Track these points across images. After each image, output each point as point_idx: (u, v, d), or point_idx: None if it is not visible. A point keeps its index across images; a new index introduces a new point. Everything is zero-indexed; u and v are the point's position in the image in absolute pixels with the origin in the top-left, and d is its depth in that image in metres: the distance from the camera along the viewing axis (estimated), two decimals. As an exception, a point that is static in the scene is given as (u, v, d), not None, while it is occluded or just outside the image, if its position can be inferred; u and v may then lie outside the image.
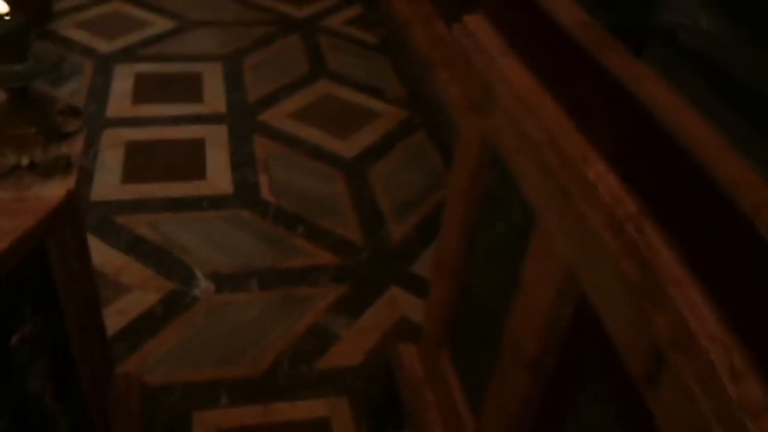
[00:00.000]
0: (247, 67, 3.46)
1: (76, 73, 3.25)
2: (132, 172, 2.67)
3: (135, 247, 2.35)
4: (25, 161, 1.15)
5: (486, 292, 1.52)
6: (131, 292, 2.21)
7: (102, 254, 2.31)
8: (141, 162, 2.73)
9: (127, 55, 3.45)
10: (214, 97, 3.19)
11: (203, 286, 2.25)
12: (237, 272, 2.30)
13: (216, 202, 2.57)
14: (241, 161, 2.79)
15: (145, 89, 3.19)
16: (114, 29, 3.66)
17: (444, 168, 2.85)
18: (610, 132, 1.01)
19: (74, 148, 1.22)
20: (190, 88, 3.24)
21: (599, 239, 0.98)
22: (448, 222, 1.65)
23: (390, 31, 3.80)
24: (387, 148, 2.96)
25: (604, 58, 1.00)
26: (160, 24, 3.78)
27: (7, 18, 1.13)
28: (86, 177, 2.62)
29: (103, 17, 3.78)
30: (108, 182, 2.61)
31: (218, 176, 2.69)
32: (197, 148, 2.84)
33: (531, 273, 1.26)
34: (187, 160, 2.77)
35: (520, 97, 1.20)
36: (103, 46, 3.50)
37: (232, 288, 2.25)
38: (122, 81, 3.23)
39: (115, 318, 2.11)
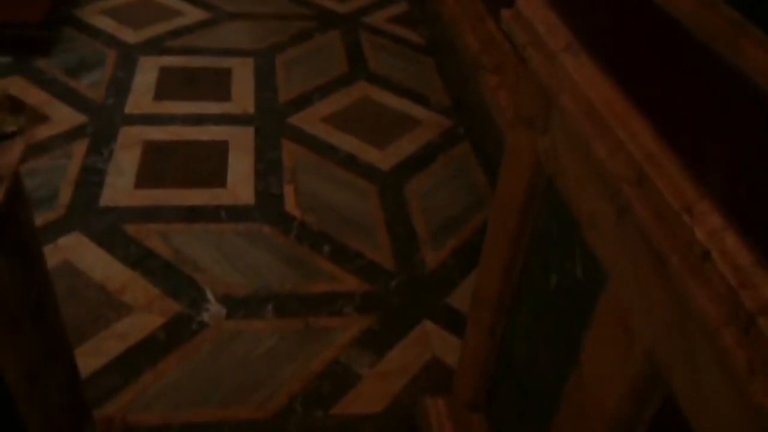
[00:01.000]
0: (281, 64, 3.21)
1: (98, 63, 3.04)
2: (147, 176, 2.44)
3: (143, 261, 2.12)
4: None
5: (533, 360, 1.23)
6: (134, 313, 1.97)
7: (106, 268, 2.09)
8: (157, 164, 2.50)
9: (154, 46, 3.24)
10: (243, 95, 2.95)
11: (213, 310, 2.00)
12: (252, 295, 2.06)
13: (235, 214, 2.33)
14: (266, 169, 2.54)
15: (169, 84, 2.97)
16: (142, 18, 3.45)
17: (489, 186, 2.56)
18: (735, 169, 0.71)
19: (8, 155, 0.95)
20: (217, 84, 3.00)
21: (709, 335, 0.70)
22: (489, 264, 1.36)
23: (436, 30, 3.52)
24: (427, 160, 2.68)
25: (736, 57, 0.70)
26: (192, 14, 3.56)
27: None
28: (97, 179, 2.40)
29: (132, 5, 3.58)
30: (120, 186, 2.38)
31: (240, 184, 2.45)
32: (219, 151, 2.60)
33: (595, 353, 0.98)
34: (208, 165, 2.53)
35: (591, 110, 0.91)
36: (128, 35, 3.29)
37: (245, 313, 2.00)
38: (145, 74, 3.01)
39: (112, 343, 1.89)
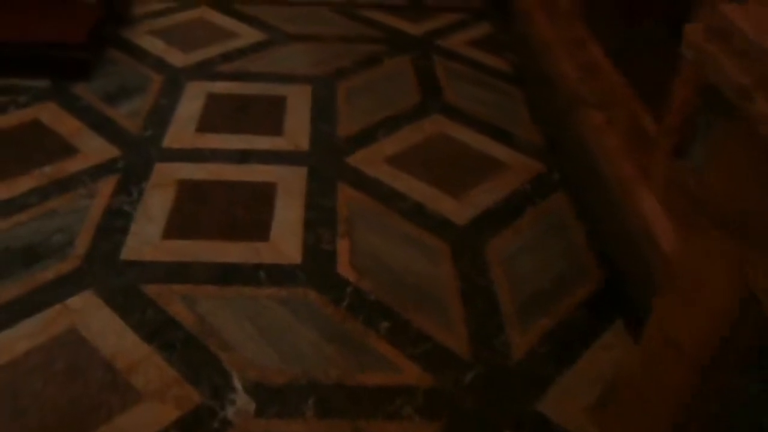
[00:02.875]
0: (342, 93, 2.82)
1: (140, 89, 2.72)
2: (178, 223, 2.07)
3: (161, 331, 1.73)
4: None
5: None
6: (143, 401, 1.58)
7: (118, 339, 1.71)
8: (192, 209, 2.13)
9: (203, 70, 2.90)
10: (296, 128, 2.57)
11: (240, 403, 1.59)
12: (289, 386, 1.63)
13: (277, 275, 1.92)
14: (318, 218, 2.13)
15: (215, 114, 2.61)
16: (194, 39, 3.13)
17: (591, 251, 2.08)
18: None
19: None
20: (268, 115, 2.63)
21: None
22: None
23: (524, 55, 3.06)
24: (513, 213, 2.22)
25: None
26: (248, 36, 3.22)
27: None
28: (122, 224, 2.04)
29: (183, 25, 3.27)
30: (146, 235, 2.02)
31: (285, 237, 2.05)
32: (265, 195, 2.21)
33: None
34: (250, 212, 2.14)
35: None
36: (177, 58, 2.97)
37: (278, 410, 1.58)
38: (191, 102, 2.67)
39: (110, 444, 1.50)
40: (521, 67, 3.08)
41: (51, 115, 2.51)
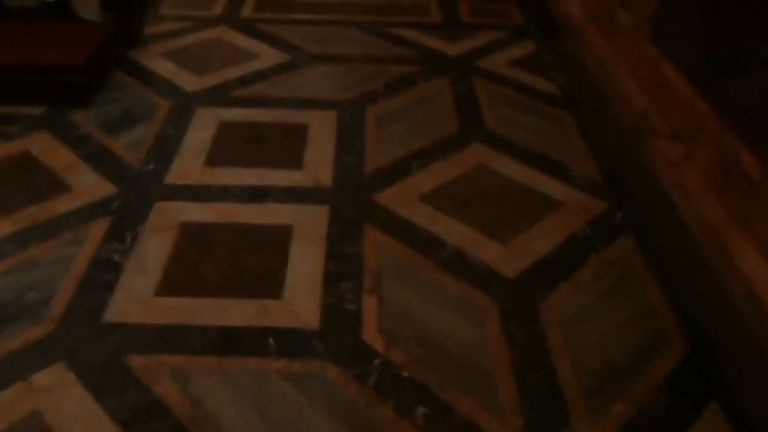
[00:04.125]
0: (371, 120, 2.50)
1: (145, 116, 2.43)
2: (175, 277, 1.75)
3: (144, 419, 1.41)
4: None
5: None
6: None
7: (90, 429, 1.38)
8: (193, 259, 1.81)
9: (216, 95, 2.61)
10: (319, 161, 2.25)
11: None
12: (300, 493, 1.29)
13: (289, 343, 1.59)
14: (340, 270, 1.80)
15: (227, 145, 2.31)
16: (208, 61, 2.85)
17: (671, 311, 1.70)
18: None
19: None
20: (287, 146, 2.32)
21: None
22: None
23: (576, 77, 2.71)
24: (573, 264, 1.86)
25: None
26: (268, 57, 2.93)
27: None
28: (109, 278, 1.73)
29: (199, 45, 3.00)
30: (136, 291, 1.70)
31: (300, 294, 1.72)
32: (279, 241, 1.89)
33: None
34: (260, 261, 1.82)
35: None
36: (189, 82, 2.68)
37: None
38: (200, 131, 2.37)
39: None
40: (571, 89, 2.73)
41: (43, 146, 2.23)
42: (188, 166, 2.19)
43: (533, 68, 2.95)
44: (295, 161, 2.24)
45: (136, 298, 1.68)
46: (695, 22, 1.92)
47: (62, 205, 1.97)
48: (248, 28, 3.19)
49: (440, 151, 2.33)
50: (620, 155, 2.21)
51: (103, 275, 1.74)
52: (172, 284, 1.73)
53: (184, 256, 1.82)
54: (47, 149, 2.21)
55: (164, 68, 2.78)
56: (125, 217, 1.94)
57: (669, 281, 1.78)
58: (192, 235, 1.89)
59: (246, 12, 3.38)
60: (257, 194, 2.07)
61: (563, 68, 2.89)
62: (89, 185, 2.06)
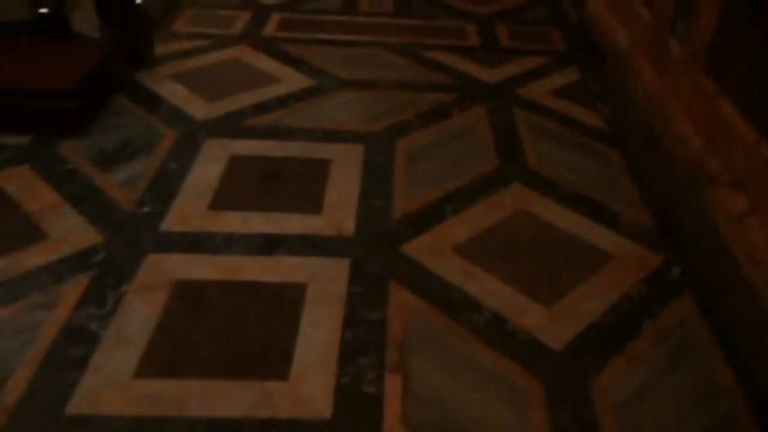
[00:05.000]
0: (401, 155, 2.18)
1: (146, 148, 2.15)
2: (161, 352, 1.44)
3: None
4: None
5: None
6: None
7: None
8: (185, 326, 1.50)
9: (228, 124, 2.31)
10: (341, 203, 1.93)
11: None
12: None
13: (295, 445, 1.26)
14: (360, 341, 1.47)
15: (238, 183, 2.01)
16: (223, 85, 2.56)
17: (740, 392, 1.35)
18: None
19: None
20: (306, 185, 2.01)
21: None
22: None
23: (624, 111, 2.37)
24: (626, 332, 1.53)
25: None
26: (291, 81, 2.64)
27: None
28: (81, 352, 1.43)
29: (215, 67, 2.71)
30: (112, 372, 1.39)
31: (311, 374, 1.39)
32: (290, 303, 1.57)
33: None
34: (266, 330, 1.50)
35: None
36: (199, 108, 2.40)
37: None
38: (207, 167, 2.07)
39: None
40: (619, 124, 2.38)
41: (22, 183, 1.94)
42: (189, 208, 1.88)
43: (577, 98, 2.62)
44: (313, 204, 1.92)
45: (111, 380, 1.37)
46: (757, 54, 1.58)
47: (33, 258, 1.67)
48: (270, 48, 2.91)
49: (477, 193, 2.00)
50: (675, 202, 1.87)
51: (73, 349, 1.43)
52: (156, 362, 1.42)
53: (174, 324, 1.51)
54: (26, 187, 1.93)
55: (173, 92, 2.49)
56: (108, 274, 1.64)
57: (735, 352, 1.44)
58: (186, 297, 1.58)
59: (268, 30, 3.09)
60: (268, 244, 1.76)
61: (609, 99, 2.55)
62: (69, 232, 1.76)
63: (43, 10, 2.53)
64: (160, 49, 2.80)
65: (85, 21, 2.46)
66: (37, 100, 2.11)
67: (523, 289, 1.64)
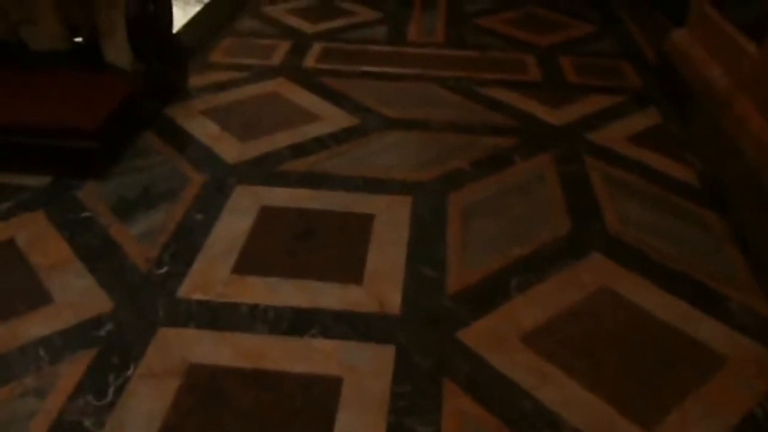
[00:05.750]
0: (456, 211, 1.92)
1: (170, 195, 1.93)
2: (165, 461, 1.20)
3: None
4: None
5: None
6: None
7: None
8: (194, 428, 1.26)
9: (262, 168, 2.09)
10: (384, 271, 1.67)
11: None
12: None
13: None
14: (407, 466, 1.21)
15: (267, 241, 1.77)
16: (258, 122, 2.35)
17: None
18: None
19: None
20: (346, 246, 1.76)
21: None
22: None
23: (724, 164, 2.06)
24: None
25: None
26: (332, 119, 2.40)
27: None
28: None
29: (250, 102, 2.50)
30: (106, 483, 1.15)
31: None
32: (320, 404, 1.31)
33: None
34: (291, 441, 1.25)
35: None
36: (230, 149, 2.18)
37: None
38: (235, 219, 1.84)
39: None
40: (716, 180, 2.07)
41: (34, 232, 1.74)
42: (211, 271, 1.65)
43: (660, 146, 2.31)
44: (352, 271, 1.67)
45: (102, 500, 1.13)
46: None
47: (33, 327, 1.45)
48: (310, 81, 2.68)
49: (547, 263, 1.72)
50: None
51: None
52: (157, 477, 1.17)
53: (182, 425, 1.26)
54: (37, 238, 1.72)
55: (204, 130, 2.28)
56: (113, 352, 1.41)
57: None
58: (199, 389, 1.34)
59: (309, 61, 2.88)
60: (298, 322, 1.51)
61: (701, 148, 2.24)
62: (76, 296, 1.54)
63: (78, 39, 2.38)
64: (194, 80, 2.60)
65: (119, 52, 2.27)
66: (58, 139, 1.91)
67: (613, 400, 1.34)
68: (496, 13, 3.53)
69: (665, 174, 2.15)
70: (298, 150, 2.20)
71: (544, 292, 1.63)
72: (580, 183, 2.08)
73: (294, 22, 3.32)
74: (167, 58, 2.37)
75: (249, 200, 1.93)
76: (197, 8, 3.47)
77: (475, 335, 1.50)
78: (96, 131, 1.92)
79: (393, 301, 1.58)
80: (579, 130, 2.41)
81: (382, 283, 1.63)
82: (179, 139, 2.22)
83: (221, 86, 2.60)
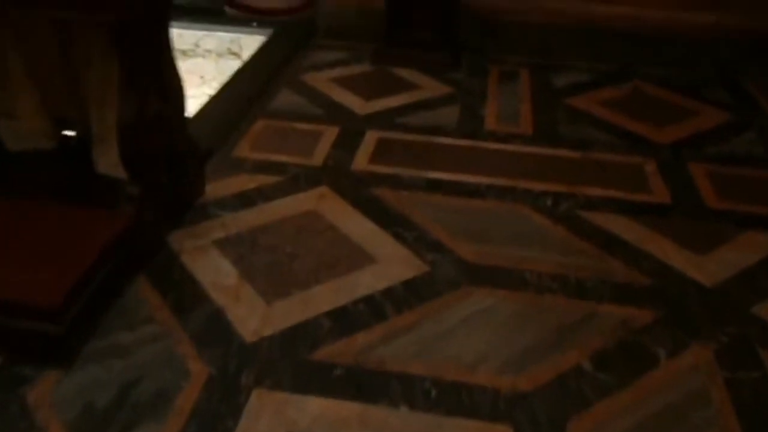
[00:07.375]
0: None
1: (158, 405, 1.30)
2: None
3: None
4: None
5: None
6: None
7: None
8: None
9: (288, 356, 1.45)
10: None
11: None
12: None
13: None
14: None
15: None
16: (290, 265, 1.72)
17: None
18: None
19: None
20: None
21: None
22: None
23: None
24: None
25: None
26: (391, 261, 1.75)
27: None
28: None
29: (279, 228, 1.87)
30: None
31: None
32: None
33: None
34: None
35: None
36: (249, 315, 1.55)
37: None
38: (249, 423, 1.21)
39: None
40: None
41: None
42: None
43: None
44: None
45: None
46: None
47: None
48: (361, 194, 2.04)
49: None
50: None
51: None
52: None
53: None
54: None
55: (217, 278, 1.66)
56: None
57: None
58: None
59: (360, 161, 2.24)
60: None
61: None
62: None
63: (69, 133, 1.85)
64: (214, 187, 2.00)
65: (112, 162, 1.70)
66: (5, 316, 1.31)
67: None
68: (593, 89, 2.84)
69: None
70: (343, 319, 1.56)
71: None
72: (765, 406, 1.39)
73: (342, 97, 2.69)
74: (176, 168, 1.78)
75: (267, 422, 1.29)
76: (230, 62, 2.93)
77: None
78: (56, 310, 1.30)
79: None
80: (741, 296, 1.69)
81: None
82: (181, 294, 1.60)
83: (246, 199, 1.99)
